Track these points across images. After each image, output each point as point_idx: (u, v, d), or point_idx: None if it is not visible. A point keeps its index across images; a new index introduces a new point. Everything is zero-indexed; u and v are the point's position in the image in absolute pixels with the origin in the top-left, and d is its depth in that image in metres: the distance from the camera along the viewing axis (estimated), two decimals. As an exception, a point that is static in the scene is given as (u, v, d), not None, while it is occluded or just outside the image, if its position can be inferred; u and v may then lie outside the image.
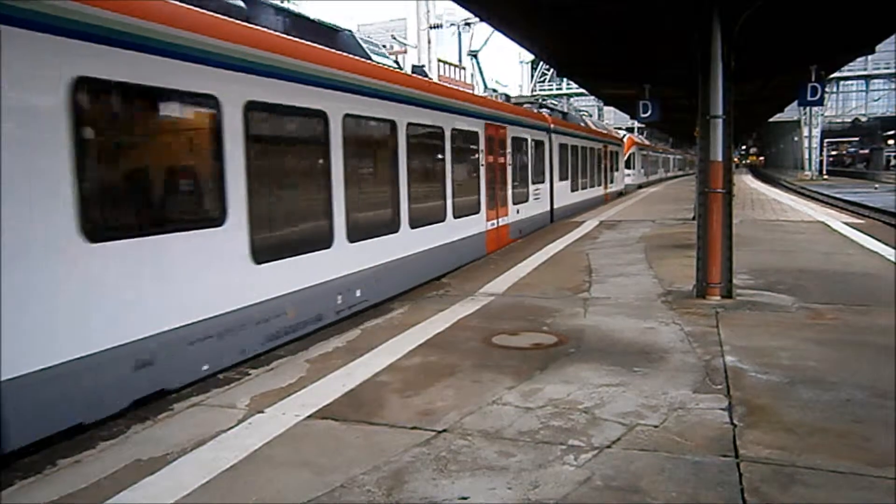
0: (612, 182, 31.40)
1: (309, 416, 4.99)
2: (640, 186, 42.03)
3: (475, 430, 4.66)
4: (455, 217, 12.17)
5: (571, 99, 64.41)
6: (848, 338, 6.80)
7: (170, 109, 6.06)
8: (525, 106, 20.37)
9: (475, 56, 34.37)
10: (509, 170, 15.62)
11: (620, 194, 33.75)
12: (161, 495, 3.82)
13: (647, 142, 51.68)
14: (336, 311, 8.28)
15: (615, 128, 46.94)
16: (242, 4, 7.43)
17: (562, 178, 21.01)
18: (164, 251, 5.73)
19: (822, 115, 73.41)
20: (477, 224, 13.44)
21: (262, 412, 5.09)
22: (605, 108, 59.31)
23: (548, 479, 3.91)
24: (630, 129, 50.09)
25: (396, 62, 12.09)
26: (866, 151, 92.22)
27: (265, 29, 7.47)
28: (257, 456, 4.33)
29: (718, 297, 8.65)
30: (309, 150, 8.17)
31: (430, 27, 41.39)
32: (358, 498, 3.76)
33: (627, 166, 38.18)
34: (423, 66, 15.10)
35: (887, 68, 70.53)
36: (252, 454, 4.35)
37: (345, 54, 9.09)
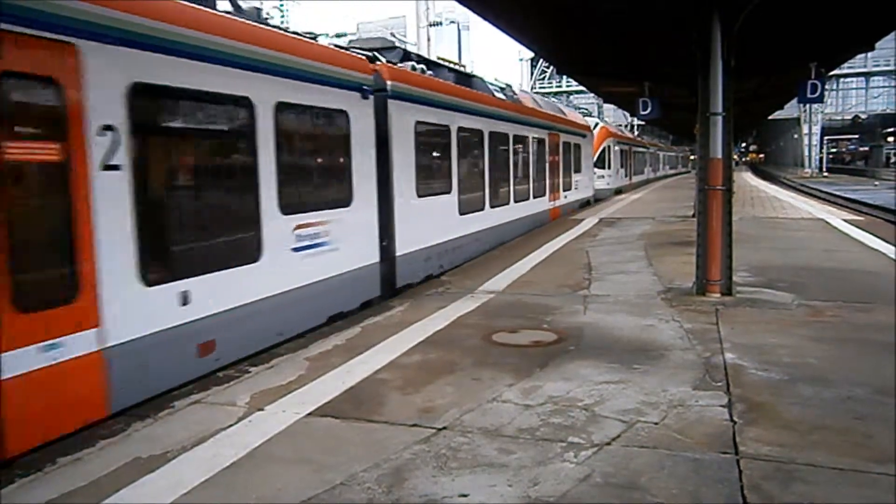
0: (570, 188, 21.71)
1: (309, 414, 4.99)
2: (618, 191, 33.22)
3: (475, 428, 4.66)
4: None
5: (571, 96, 64.35)
6: (848, 335, 6.80)
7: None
8: (352, 50, 9.93)
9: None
10: (95, 198, 5.04)
11: (587, 204, 25.16)
12: (161, 493, 3.82)
13: (628, 133, 42.59)
14: None
15: (616, 125, 43.29)
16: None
17: (426, 192, 10.77)
18: None
19: (822, 112, 73.32)
20: None
21: (262, 410, 5.09)
22: (606, 105, 58.51)
23: (548, 477, 3.91)
24: (630, 127, 49.26)
25: None
26: (866, 149, 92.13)
27: None
28: (257, 454, 4.33)
29: (718, 295, 8.66)
30: None
31: (430, 25, 41.36)
32: (358, 495, 3.76)
33: (600, 165, 29.96)
34: None
35: (887, 65, 70.45)
36: (252, 452, 4.35)
37: None
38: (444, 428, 4.67)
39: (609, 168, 31.60)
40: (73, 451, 4.42)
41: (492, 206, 14.08)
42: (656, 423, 4.65)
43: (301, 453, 4.34)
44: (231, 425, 4.80)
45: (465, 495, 3.73)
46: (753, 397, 5.11)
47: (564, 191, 21.05)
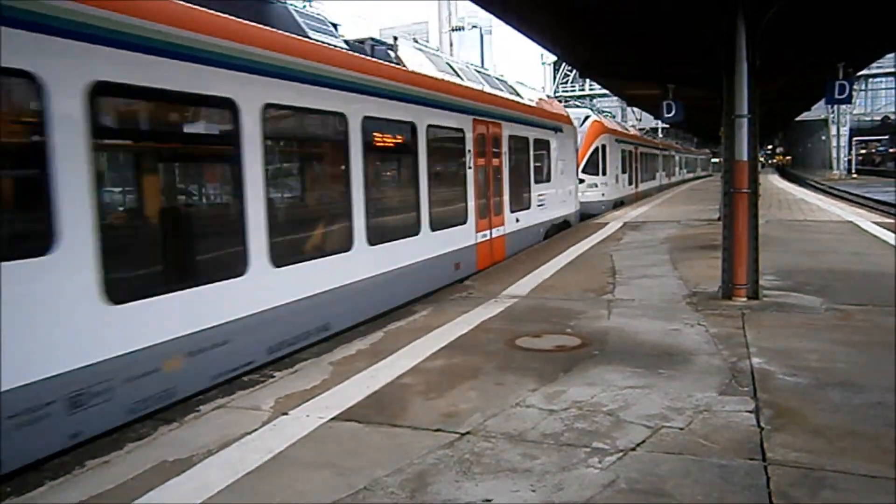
0: (526, 206, 14.83)
1: (333, 418, 5.01)
2: (618, 204, 26.81)
3: (498, 433, 4.64)
4: None
5: (595, 100, 64.06)
6: (878, 339, 6.66)
7: None
8: None
9: None
10: None
11: (564, 226, 17.81)
12: (187, 496, 3.86)
13: (633, 130, 36.04)
14: None
15: (637, 129, 40.49)
16: None
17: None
18: None
19: (851, 113, 72.20)
20: None
21: (287, 414, 5.12)
22: (629, 108, 57.77)
23: (572, 482, 3.89)
24: (654, 130, 48.55)
25: None
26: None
27: None
28: (281, 458, 4.36)
29: (745, 299, 8.55)
30: None
31: (452, 30, 41.47)
32: (381, 500, 3.76)
33: (591, 170, 24.01)
34: None
35: (917, 65, 69.16)
36: (276, 456, 4.37)
37: None
38: (468, 433, 4.66)
39: (604, 174, 24.95)
40: (101, 454, 4.48)
41: (285, 262, 7.09)
42: (682, 429, 4.60)
43: (325, 458, 4.36)
44: (255, 429, 4.83)
45: (488, 500, 3.72)
46: (781, 403, 5.04)
47: (516, 211, 13.99)
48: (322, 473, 4.12)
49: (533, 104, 16.44)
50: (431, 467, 4.14)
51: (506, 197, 13.48)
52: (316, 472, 4.14)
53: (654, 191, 36.47)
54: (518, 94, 16.00)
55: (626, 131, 31.59)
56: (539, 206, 15.66)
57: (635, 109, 42.14)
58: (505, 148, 13.48)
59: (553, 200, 16.76)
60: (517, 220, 14.10)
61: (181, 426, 4.98)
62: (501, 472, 4.05)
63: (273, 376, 6.09)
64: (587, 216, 21.39)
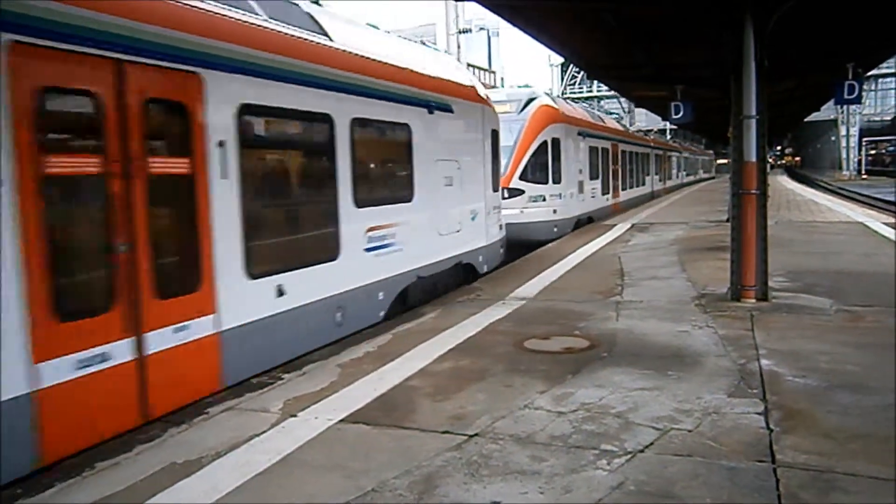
0: (336, 254, 7.38)
1: (341, 421, 5.01)
2: (584, 222, 19.78)
3: (507, 435, 4.64)
4: None
5: (602, 101, 63.89)
6: (888, 341, 6.61)
7: None
8: None
9: None
10: None
11: (459, 274, 10.60)
12: (196, 498, 3.88)
13: (611, 122, 27.78)
14: None
15: (643, 131, 38.47)
16: None
17: None
18: None
19: (860, 113, 71.79)
20: None
21: (295, 416, 5.13)
22: (637, 109, 57.32)
23: (580, 484, 3.88)
24: (662, 132, 48.05)
25: None
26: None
27: None
28: (290, 460, 4.37)
29: (754, 300, 8.51)
30: None
31: (460, 32, 41.45)
32: (389, 502, 3.77)
33: (538, 177, 16.88)
34: None
35: (928, 65, 68.72)
36: (285, 458, 4.39)
37: None
38: (476, 435, 4.66)
39: (557, 181, 17.42)
40: (111, 455, 4.50)
41: None
42: (690, 431, 4.59)
43: (333, 460, 4.37)
44: (264, 431, 4.85)
45: (496, 503, 3.72)
46: (790, 405, 5.02)
47: (278, 272, 6.55)
48: (330, 475, 4.13)
49: (358, 53, 8.16)
50: (439, 469, 4.14)
51: (222, 246, 5.90)
52: (324, 474, 4.15)
53: (642, 200, 28.68)
54: (323, 32, 7.69)
55: (597, 122, 23.42)
56: (377, 249, 8.28)
57: (622, 100, 41.05)
58: (223, 132, 5.88)
59: (421, 235, 9.31)
60: (280, 293, 6.61)
61: (190, 428, 5.00)
62: (510, 475, 4.04)
63: (281, 378, 6.10)
64: (530, 245, 15.03)
